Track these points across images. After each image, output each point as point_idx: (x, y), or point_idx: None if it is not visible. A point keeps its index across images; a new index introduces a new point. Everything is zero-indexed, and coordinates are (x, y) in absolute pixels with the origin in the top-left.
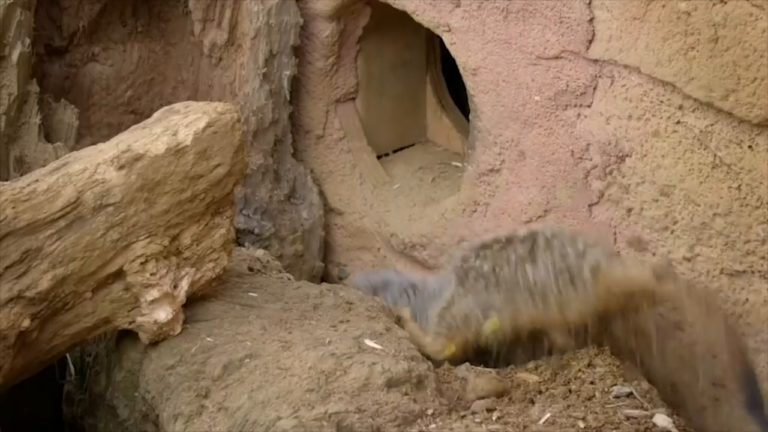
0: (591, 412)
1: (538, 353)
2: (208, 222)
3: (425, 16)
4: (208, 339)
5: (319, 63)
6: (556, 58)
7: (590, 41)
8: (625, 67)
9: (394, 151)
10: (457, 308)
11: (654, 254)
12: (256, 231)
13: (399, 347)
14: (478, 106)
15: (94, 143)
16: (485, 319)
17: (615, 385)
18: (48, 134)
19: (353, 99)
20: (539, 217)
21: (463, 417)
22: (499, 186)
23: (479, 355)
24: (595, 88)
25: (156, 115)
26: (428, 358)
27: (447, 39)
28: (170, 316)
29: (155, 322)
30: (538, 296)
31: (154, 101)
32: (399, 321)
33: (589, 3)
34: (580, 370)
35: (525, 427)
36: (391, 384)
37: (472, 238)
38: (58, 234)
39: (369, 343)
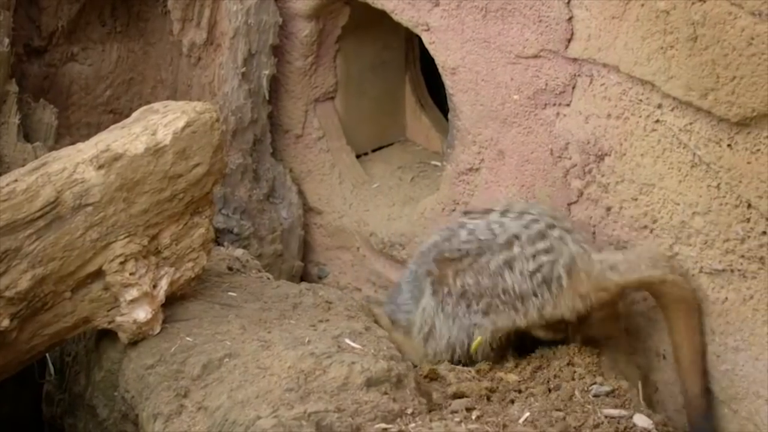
0: (571, 412)
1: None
2: (187, 221)
3: (404, 16)
4: (188, 338)
5: (298, 62)
6: (535, 57)
7: (569, 40)
8: (604, 65)
9: (373, 151)
10: (440, 334)
11: None
12: (235, 230)
13: (378, 346)
14: (457, 105)
15: (73, 143)
16: (470, 339)
17: (594, 384)
18: (27, 134)
19: (332, 98)
20: None
21: (442, 416)
22: (479, 185)
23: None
24: (574, 87)
25: (135, 114)
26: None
27: (426, 38)
28: (149, 316)
29: (134, 321)
30: (518, 302)
31: (133, 101)
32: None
33: (568, 2)
34: (560, 369)
35: (504, 426)
36: (370, 383)
37: None
38: (38, 234)
39: (348, 342)
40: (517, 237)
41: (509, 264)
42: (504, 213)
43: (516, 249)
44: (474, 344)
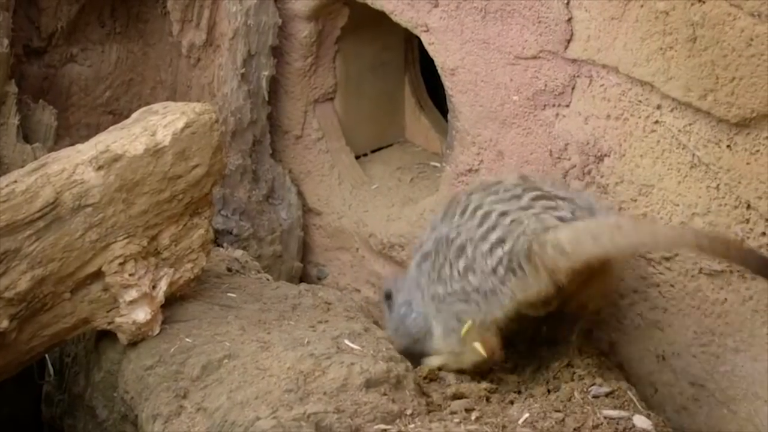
0: (570, 413)
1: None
2: (186, 222)
3: (403, 17)
4: (187, 339)
5: (297, 63)
6: (535, 58)
7: (568, 41)
8: (604, 66)
9: (373, 152)
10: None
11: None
12: (235, 231)
13: (378, 347)
14: (457, 106)
15: (72, 144)
16: (461, 324)
17: (594, 385)
18: (26, 135)
19: (332, 99)
20: None
21: (442, 417)
22: None
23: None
24: (573, 88)
25: (134, 115)
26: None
27: (425, 39)
28: (149, 317)
29: (134, 322)
30: (491, 296)
31: (132, 102)
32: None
33: (567, 3)
34: (559, 370)
35: (504, 427)
36: (369, 384)
37: None
38: (37, 235)
39: (348, 343)
40: (470, 240)
41: (469, 269)
42: (462, 212)
43: (469, 251)
44: (464, 328)
